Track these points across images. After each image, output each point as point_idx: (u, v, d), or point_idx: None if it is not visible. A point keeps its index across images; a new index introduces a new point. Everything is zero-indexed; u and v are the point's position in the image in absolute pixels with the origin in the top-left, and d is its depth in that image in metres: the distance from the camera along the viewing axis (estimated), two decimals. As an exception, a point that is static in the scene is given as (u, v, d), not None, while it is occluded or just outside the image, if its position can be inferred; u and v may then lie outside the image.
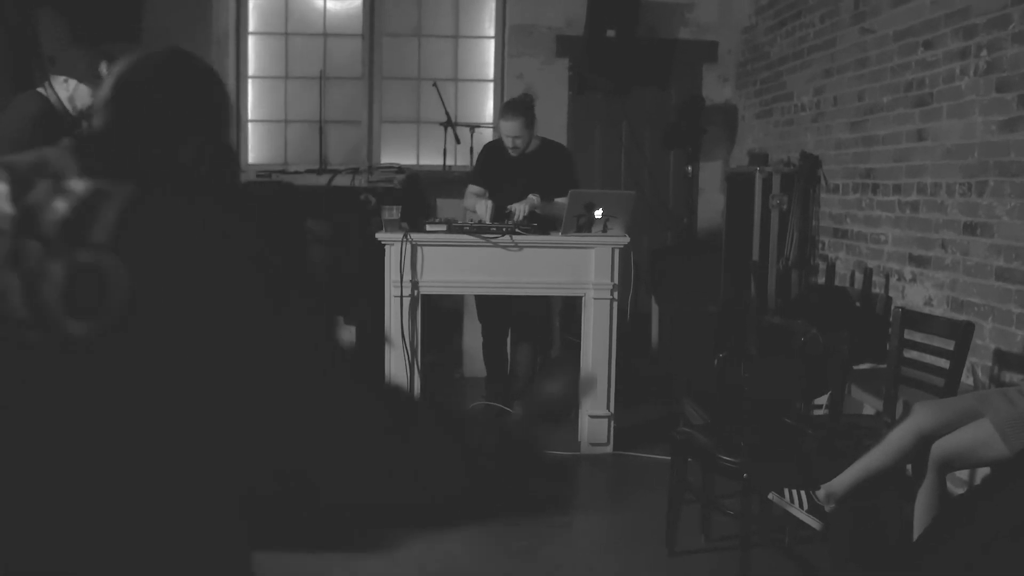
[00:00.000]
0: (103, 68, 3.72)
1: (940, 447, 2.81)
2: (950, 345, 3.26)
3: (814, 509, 2.95)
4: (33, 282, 1.05)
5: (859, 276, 4.77)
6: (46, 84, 3.71)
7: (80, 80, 3.67)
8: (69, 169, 1.13)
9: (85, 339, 1.03)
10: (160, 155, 1.22)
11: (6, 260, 1.07)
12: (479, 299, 5.02)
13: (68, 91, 3.68)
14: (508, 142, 4.65)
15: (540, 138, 4.79)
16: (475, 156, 5.18)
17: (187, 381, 1.03)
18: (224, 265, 1.06)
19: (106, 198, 1.08)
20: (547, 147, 4.79)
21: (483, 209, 4.55)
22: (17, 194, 1.12)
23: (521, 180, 4.67)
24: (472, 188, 4.83)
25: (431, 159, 6.77)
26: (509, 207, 4.53)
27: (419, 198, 6.17)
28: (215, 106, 1.30)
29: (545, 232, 4.46)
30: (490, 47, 6.99)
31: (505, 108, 4.73)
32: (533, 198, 4.57)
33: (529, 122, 4.63)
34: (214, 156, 1.28)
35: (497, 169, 4.76)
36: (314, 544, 3.37)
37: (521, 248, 4.36)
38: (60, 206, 1.09)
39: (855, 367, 3.97)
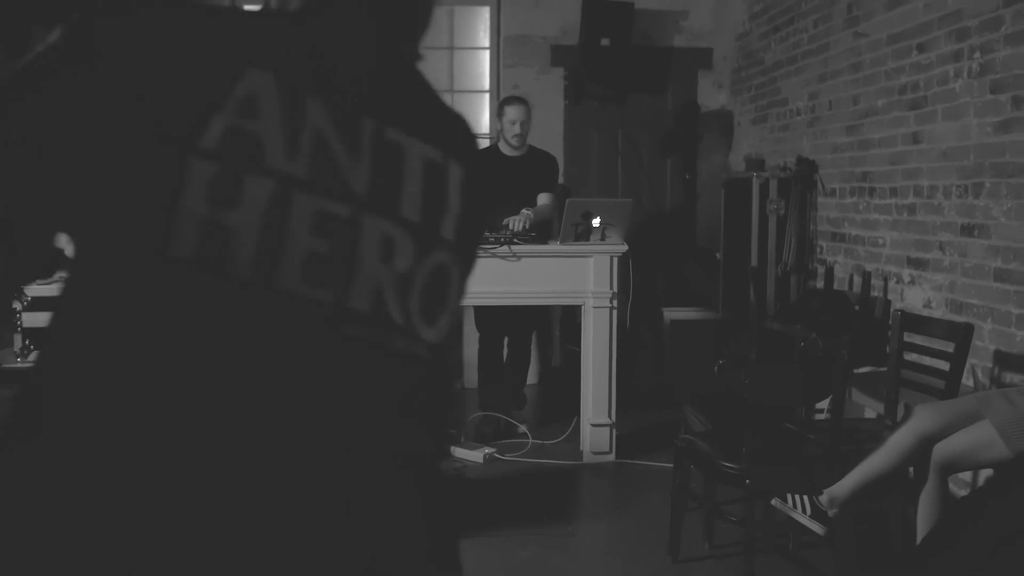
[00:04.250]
0: None
1: (941, 449, 2.81)
2: (950, 347, 3.26)
3: (817, 514, 2.94)
4: (406, 283, 0.90)
5: (858, 280, 4.77)
6: None
7: None
8: (382, 109, 0.92)
9: (430, 347, 0.92)
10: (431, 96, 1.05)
11: (382, 252, 0.89)
12: (477, 310, 5.04)
13: None
14: (516, 128, 4.74)
15: (529, 144, 4.85)
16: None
17: None
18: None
19: (442, 175, 0.94)
20: (536, 153, 4.88)
21: None
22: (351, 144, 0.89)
23: (513, 185, 4.70)
24: None
25: (428, 170, 6.77)
26: (505, 220, 4.55)
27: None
28: None
29: (543, 242, 4.47)
30: (485, 58, 7.01)
31: (508, 97, 4.92)
32: (528, 212, 4.59)
33: (530, 112, 4.77)
34: None
35: (488, 176, 4.80)
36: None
37: (520, 258, 4.37)
38: (413, 184, 0.92)
39: (855, 371, 3.97)
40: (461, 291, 0.97)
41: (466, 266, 0.98)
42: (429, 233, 0.92)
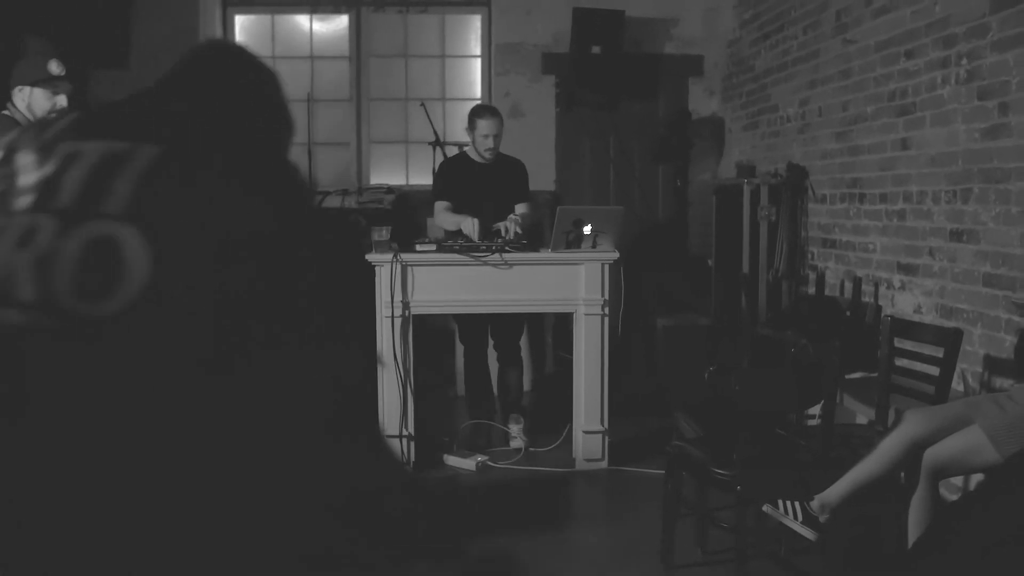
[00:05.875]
0: (52, 66, 3.62)
1: (932, 455, 2.82)
2: (940, 352, 3.27)
3: (809, 520, 2.95)
4: (45, 261, 0.97)
5: (848, 285, 4.79)
6: (9, 103, 3.64)
7: (33, 84, 3.59)
8: (86, 132, 1.07)
9: (99, 323, 0.95)
10: (185, 114, 1.14)
11: (20, 238, 0.99)
12: (459, 320, 5.00)
13: (25, 99, 3.59)
14: (488, 142, 4.66)
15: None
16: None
17: (196, 369, 0.96)
18: (228, 242, 0.99)
19: (122, 162, 1.02)
20: (504, 159, 4.82)
21: (470, 227, 4.54)
22: (40, 163, 1.05)
23: (485, 191, 4.68)
24: (442, 205, 4.80)
25: (420, 179, 6.79)
26: (495, 226, 4.55)
27: (409, 218, 6.19)
28: (261, 82, 1.27)
29: (534, 249, 4.47)
30: (477, 66, 7.03)
31: (481, 109, 4.77)
32: (516, 217, 4.58)
33: (502, 123, 4.70)
34: (266, 125, 1.24)
35: (461, 183, 4.77)
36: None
37: (511, 266, 4.37)
38: (76, 174, 1.02)
39: (847, 376, 3.97)
40: (142, 260, 0.97)
41: (153, 232, 0.99)
42: (81, 212, 0.99)
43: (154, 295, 0.95)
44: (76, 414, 0.95)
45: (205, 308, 0.96)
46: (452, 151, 6.34)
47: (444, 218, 4.76)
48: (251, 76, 1.28)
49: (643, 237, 6.70)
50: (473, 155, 4.77)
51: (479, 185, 4.72)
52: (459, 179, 4.78)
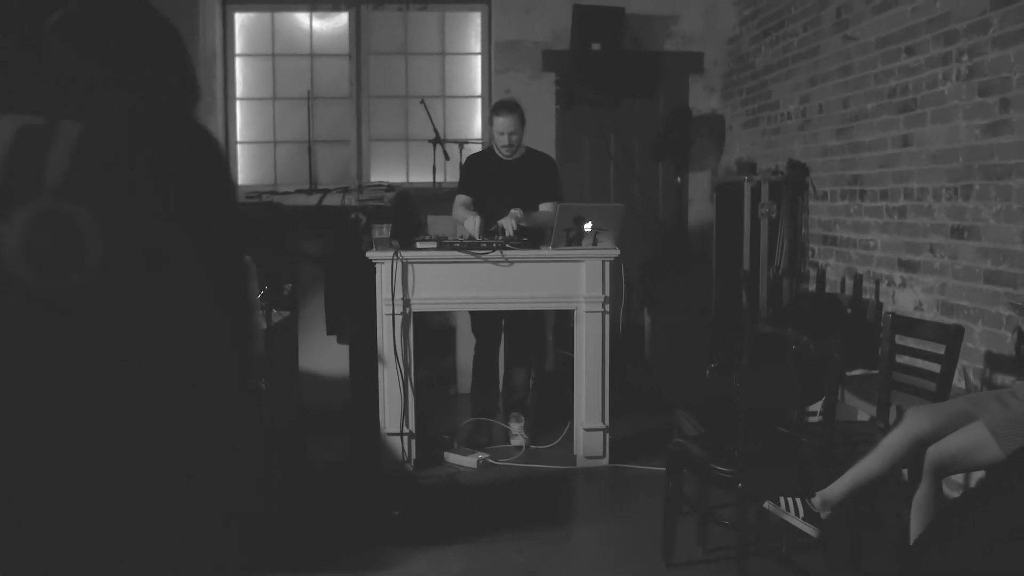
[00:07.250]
0: None
1: (935, 451, 2.82)
2: (941, 349, 3.27)
3: (810, 516, 2.95)
4: None
5: (849, 282, 4.78)
6: None
7: None
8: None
9: (60, 297, 0.98)
10: (103, 83, 1.13)
11: None
12: (473, 314, 5.02)
13: None
14: (504, 139, 4.66)
15: (526, 147, 4.81)
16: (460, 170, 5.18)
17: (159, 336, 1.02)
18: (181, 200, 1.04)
19: (47, 138, 1.03)
20: (533, 155, 4.82)
21: (472, 225, 4.54)
22: None
23: (508, 187, 4.67)
24: (460, 199, 4.82)
25: (420, 176, 6.78)
26: (497, 223, 4.54)
27: (409, 215, 6.18)
28: (164, 36, 1.25)
29: (535, 246, 4.47)
30: (477, 63, 7.02)
31: (498, 106, 4.76)
32: (517, 212, 4.56)
33: (521, 119, 4.68)
34: (174, 87, 1.23)
35: (484, 178, 4.77)
36: (311, 565, 3.35)
37: (512, 263, 4.37)
38: None
39: (848, 373, 3.97)
40: (97, 233, 1.00)
41: (97, 205, 1.01)
42: (18, 191, 1.00)
43: (113, 264, 0.99)
44: (54, 386, 0.99)
45: (151, 275, 1.02)
46: (452, 148, 6.35)
47: (458, 213, 4.77)
48: (148, 30, 1.26)
49: (644, 234, 6.69)
50: (499, 151, 4.77)
51: (501, 181, 4.71)
52: (481, 174, 4.78)
